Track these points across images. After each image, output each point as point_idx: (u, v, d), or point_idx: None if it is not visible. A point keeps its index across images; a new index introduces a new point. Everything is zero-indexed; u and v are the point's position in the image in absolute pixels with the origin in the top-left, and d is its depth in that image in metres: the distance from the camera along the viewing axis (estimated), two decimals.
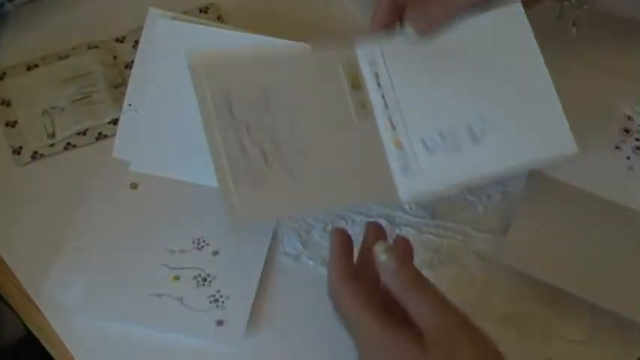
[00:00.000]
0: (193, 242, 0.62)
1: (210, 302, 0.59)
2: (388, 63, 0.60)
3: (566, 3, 0.64)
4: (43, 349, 0.60)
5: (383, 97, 0.60)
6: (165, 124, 0.64)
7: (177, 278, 0.60)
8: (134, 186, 0.64)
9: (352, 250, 0.52)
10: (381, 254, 0.49)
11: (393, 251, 0.49)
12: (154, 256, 0.61)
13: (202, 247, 0.62)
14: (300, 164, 0.58)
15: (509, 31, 0.60)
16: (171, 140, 0.64)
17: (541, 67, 0.59)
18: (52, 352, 0.60)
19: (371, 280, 0.51)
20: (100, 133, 0.67)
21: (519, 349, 0.58)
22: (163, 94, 0.64)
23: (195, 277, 0.60)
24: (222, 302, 0.59)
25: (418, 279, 0.49)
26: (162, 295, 0.59)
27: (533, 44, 0.59)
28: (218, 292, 0.60)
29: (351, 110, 0.60)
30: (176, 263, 0.61)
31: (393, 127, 0.59)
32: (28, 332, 0.61)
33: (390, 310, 0.49)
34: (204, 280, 0.60)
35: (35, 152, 0.66)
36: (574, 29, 0.66)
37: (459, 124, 0.59)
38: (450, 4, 0.58)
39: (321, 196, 0.58)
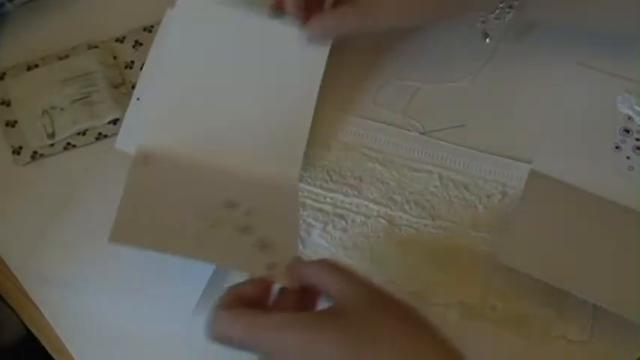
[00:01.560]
0: None
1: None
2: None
3: (485, 19, 0.63)
4: (43, 349, 0.60)
5: None
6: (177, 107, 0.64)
7: None
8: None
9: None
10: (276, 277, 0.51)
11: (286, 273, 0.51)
12: None
13: None
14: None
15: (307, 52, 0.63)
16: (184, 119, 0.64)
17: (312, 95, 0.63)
18: (52, 352, 0.60)
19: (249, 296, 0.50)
20: (100, 133, 0.67)
21: (519, 349, 0.58)
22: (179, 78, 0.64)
23: None
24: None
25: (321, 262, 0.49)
26: None
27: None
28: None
29: None
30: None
31: None
32: (28, 332, 0.61)
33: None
34: None
35: (35, 152, 0.66)
36: (487, 40, 0.66)
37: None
38: (346, 24, 0.60)
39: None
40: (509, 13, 0.61)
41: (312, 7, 0.62)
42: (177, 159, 0.61)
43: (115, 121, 0.67)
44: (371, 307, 0.45)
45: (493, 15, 0.62)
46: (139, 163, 0.61)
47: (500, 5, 0.60)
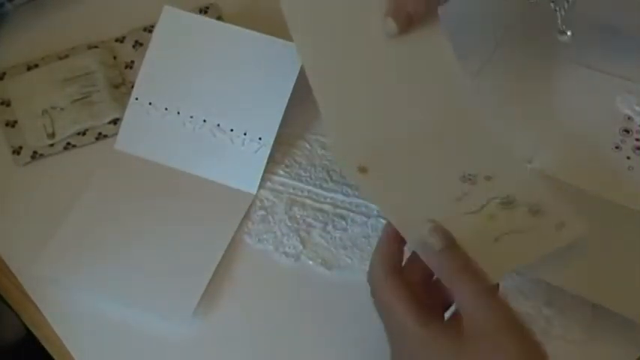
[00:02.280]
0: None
1: None
2: None
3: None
4: (43, 349, 0.60)
5: None
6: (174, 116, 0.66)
7: None
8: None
9: (402, 242, 0.49)
10: (428, 236, 0.47)
11: (441, 232, 0.47)
12: None
13: None
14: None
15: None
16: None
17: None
18: (52, 352, 0.60)
19: (415, 279, 0.49)
20: (100, 133, 0.67)
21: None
22: (175, 87, 0.65)
23: None
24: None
25: (465, 263, 0.46)
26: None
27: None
28: None
29: None
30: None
31: None
32: (28, 332, 0.61)
33: (430, 309, 0.47)
34: None
35: (35, 152, 0.66)
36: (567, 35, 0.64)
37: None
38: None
39: None
40: None
41: None
42: None
43: (115, 121, 0.67)
44: (499, 338, 0.44)
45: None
46: None
47: None
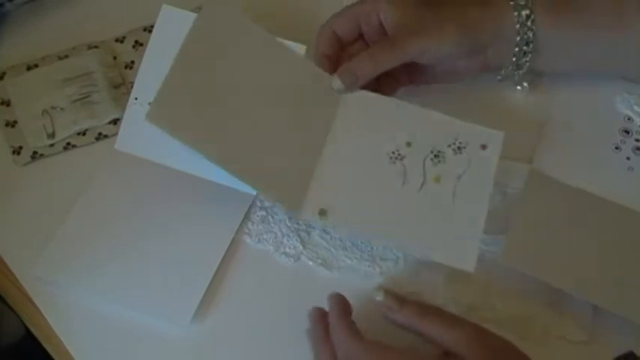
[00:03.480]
0: None
1: None
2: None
3: (503, 71, 0.66)
4: (43, 349, 0.60)
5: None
6: None
7: None
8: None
9: (351, 311, 0.55)
10: (378, 297, 0.54)
11: (389, 293, 0.54)
12: None
13: None
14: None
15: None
16: None
17: None
18: (52, 352, 0.60)
19: None
20: (100, 133, 0.67)
21: (519, 348, 0.58)
22: None
23: None
24: None
25: (423, 307, 0.53)
26: None
27: None
28: None
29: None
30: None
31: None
32: (28, 332, 0.61)
33: None
34: None
35: (35, 152, 0.66)
36: (522, 89, 0.68)
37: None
38: (378, 60, 0.61)
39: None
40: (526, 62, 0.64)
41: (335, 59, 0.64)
42: None
43: (115, 121, 0.67)
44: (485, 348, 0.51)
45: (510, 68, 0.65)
46: None
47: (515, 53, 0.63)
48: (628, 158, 0.65)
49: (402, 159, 0.60)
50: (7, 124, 0.67)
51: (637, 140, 0.65)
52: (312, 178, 0.60)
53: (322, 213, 0.59)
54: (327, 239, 0.62)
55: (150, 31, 0.68)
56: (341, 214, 0.59)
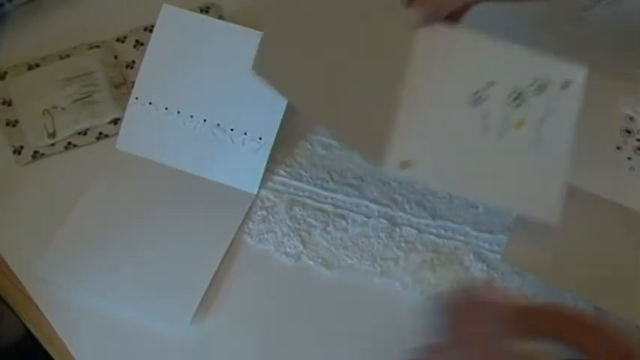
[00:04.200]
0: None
1: None
2: None
3: None
4: (43, 349, 0.60)
5: None
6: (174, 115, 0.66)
7: None
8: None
9: None
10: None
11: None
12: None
13: None
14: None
15: None
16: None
17: None
18: (52, 352, 0.60)
19: None
20: (100, 133, 0.67)
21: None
22: (175, 87, 0.65)
23: None
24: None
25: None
26: None
27: None
28: None
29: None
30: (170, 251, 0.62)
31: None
32: (28, 332, 0.61)
33: None
34: None
35: (36, 152, 0.66)
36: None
37: None
38: None
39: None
40: None
41: None
42: None
43: (115, 121, 0.67)
44: None
45: None
46: None
47: None
48: (629, 158, 0.64)
49: (484, 101, 0.55)
50: (8, 124, 0.67)
51: (638, 140, 0.65)
52: (394, 127, 0.55)
53: (405, 165, 0.55)
54: (328, 239, 0.62)
55: (151, 31, 0.68)
56: (423, 166, 0.55)
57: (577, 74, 0.55)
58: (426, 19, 0.55)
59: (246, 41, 0.64)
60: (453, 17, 0.56)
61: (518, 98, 0.55)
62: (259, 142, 0.64)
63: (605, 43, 0.68)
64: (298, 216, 0.63)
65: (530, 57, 0.55)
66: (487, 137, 0.55)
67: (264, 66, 0.59)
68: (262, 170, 0.64)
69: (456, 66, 0.56)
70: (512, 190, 0.54)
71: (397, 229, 0.63)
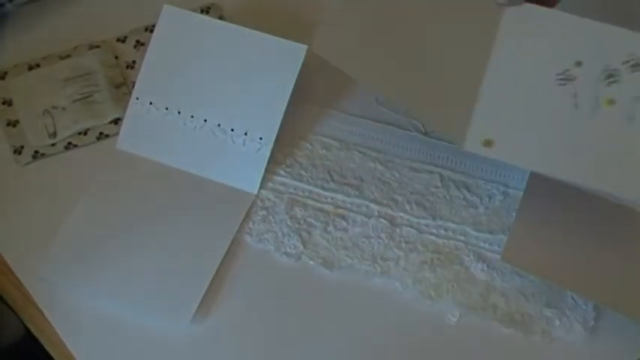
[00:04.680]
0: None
1: None
2: None
3: None
4: (43, 349, 0.60)
5: None
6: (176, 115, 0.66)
7: None
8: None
9: None
10: None
11: None
12: None
13: None
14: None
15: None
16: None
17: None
18: (52, 352, 0.60)
19: None
20: (101, 133, 0.67)
21: (520, 348, 0.58)
22: (175, 87, 0.65)
23: None
24: None
25: None
26: None
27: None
28: None
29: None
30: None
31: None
32: (28, 332, 0.61)
33: None
34: None
35: (36, 152, 0.66)
36: None
37: None
38: None
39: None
40: None
41: None
42: None
43: (116, 121, 0.67)
44: None
45: None
46: None
47: None
48: None
49: (572, 81, 0.54)
50: (8, 124, 0.67)
51: None
52: (477, 105, 0.55)
53: (487, 143, 0.55)
54: (328, 239, 0.62)
55: (151, 31, 0.68)
56: (506, 145, 0.54)
57: None
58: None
59: (246, 42, 0.64)
60: (546, 3, 0.56)
61: (611, 76, 0.53)
62: (260, 142, 0.64)
63: None
64: (298, 216, 0.63)
65: (623, 35, 0.53)
66: (576, 115, 0.54)
67: (329, 45, 0.57)
68: (262, 170, 0.64)
69: (542, 45, 0.55)
70: (601, 168, 0.53)
71: (397, 230, 0.63)
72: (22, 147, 0.66)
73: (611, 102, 0.53)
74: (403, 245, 0.62)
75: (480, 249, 0.62)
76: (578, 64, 0.54)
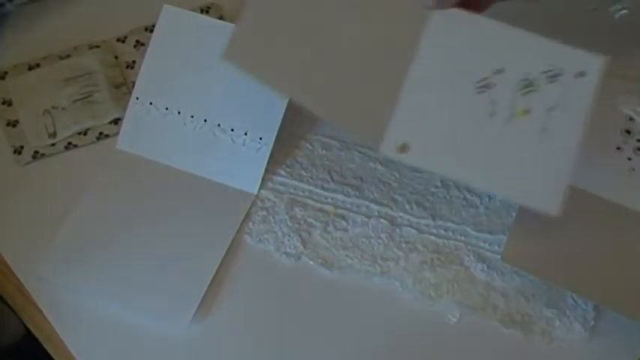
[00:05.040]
0: None
1: None
2: None
3: None
4: (43, 349, 0.60)
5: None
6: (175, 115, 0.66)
7: None
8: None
9: None
10: None
11: None
12: None
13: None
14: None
15: None
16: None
17: None
18: (52, 352, 0.60)
19: None
20: (101, 133, 0.67)
21: (520, 348, 0.58)
22: (175, 87, 0.65)
23: None
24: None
25: None
26: None
27: None
28: None
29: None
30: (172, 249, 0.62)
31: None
32: (28, 332, 0.61)
33: None
34: None
35: (36, 152, 0.66)
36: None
37: None
38: None
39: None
40: None
41: None
42: None
43: (116, 121, 0.67)
44: None
45: None
46: None
47: None
48: (629, 159, 0.64)
49: (491, 88, 0.54)
50: (8, 124, 0.67)
51: (639, 141, 0.65)
52: (395, 109, 0.54)
53: (403, 149, 0.54)
54: (328, 239, 0.62)
55: (151, 31, 0.68)
56: (422, 151, 0.54)
57: (593, 63, 0.53)
58: (440, 2, 0.54)
59: None
60: (475, 9, 0.55)
61: (528, 86, 0.53)
62: (260, 142, 0.64)
63: (606, 42, 0.68)
64: (298, 216, 0.63)
65: (545, 44, 0.53)
66: (491, 124, 0.54)
67: (241, 53, 0.57)
68: (263, 170, 0.64)
69: (463, 51, 0.55)
70: (512, 178, 0.53)
71: (397, 230, 0.63)
72: (22, 147, 0.66)
73: (526, 112, 0.53)
74: (403, 245, 0.62)
75: (480, 249, 0.62)
76: (499, 71, 0.54)
